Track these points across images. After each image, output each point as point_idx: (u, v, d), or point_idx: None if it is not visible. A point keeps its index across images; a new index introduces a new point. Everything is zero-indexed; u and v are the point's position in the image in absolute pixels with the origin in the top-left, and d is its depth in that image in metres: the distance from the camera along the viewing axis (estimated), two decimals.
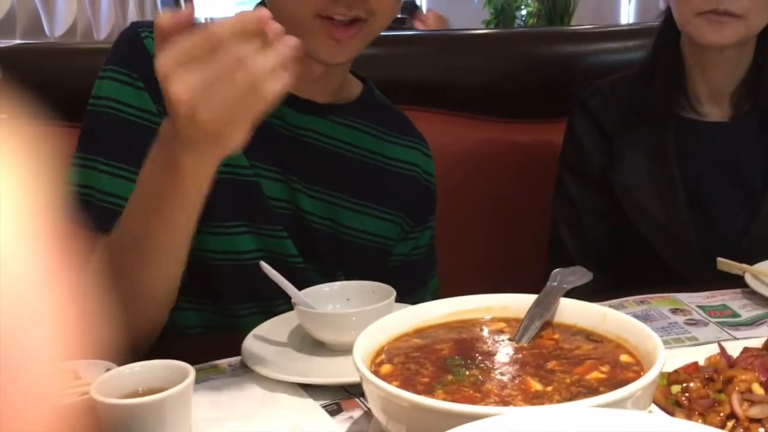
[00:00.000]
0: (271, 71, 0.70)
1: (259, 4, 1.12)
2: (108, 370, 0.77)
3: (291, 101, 1.04)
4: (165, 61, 0.69)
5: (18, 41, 1.57)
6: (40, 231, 0.28)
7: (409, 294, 1.18)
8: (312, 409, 0.78)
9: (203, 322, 1.06)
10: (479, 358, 0.68)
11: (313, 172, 1.06)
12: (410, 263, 1.18)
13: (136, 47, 0.99)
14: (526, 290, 0.78)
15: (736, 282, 1.06)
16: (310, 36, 0.95)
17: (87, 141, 0.98)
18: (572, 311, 0.74)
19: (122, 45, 1.00)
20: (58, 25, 1.92)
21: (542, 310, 0.73)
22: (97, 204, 0.94)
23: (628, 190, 1.25)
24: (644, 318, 0.96)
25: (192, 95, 0.68)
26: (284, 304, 1.06)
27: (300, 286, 1.03)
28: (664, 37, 1.26)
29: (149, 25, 1.00)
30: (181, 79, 0.68)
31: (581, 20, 6.63)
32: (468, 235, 1.62)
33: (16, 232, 0.27)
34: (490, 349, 0.70)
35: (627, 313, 0.74)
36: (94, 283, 0.32)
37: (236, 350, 0.89)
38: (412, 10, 5.84)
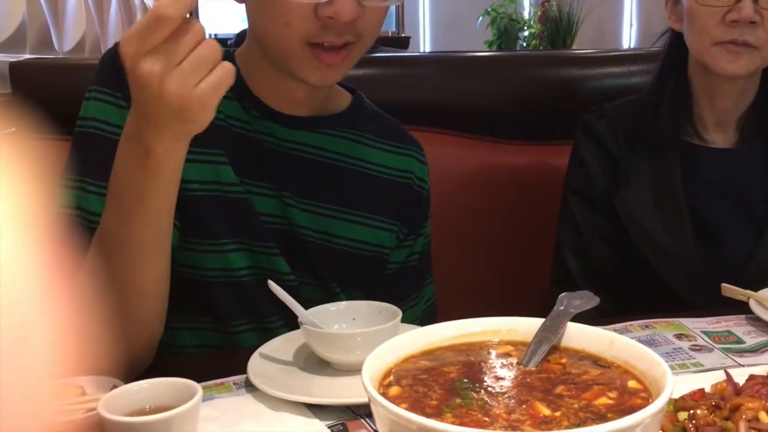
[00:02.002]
0: None
1: (239, 33, 1.14)
2: (114, 386, 0.77)
3: (278, 117, 1.05)
4: (128, 47, 0.73)
5: (28, 55, 1.58)
6: (38, 246, 0.28)
7: (404, 300, 1.19)
8: (317, 429, 0.78)
9: (200, 341, 1.06)
10: (487, 381, 0.68)
11: (305, 185, 1.07)
12: (404, 270, 1.18)
13: (117, 67, 0.98)
14: (529, 313, 0.78)
15: (740, 308, 1.06)
16: (299, 62, 0.96)
17: (75, 162, 0.99)
18: (579, 336, 0.74)
19: (105, 66, 1.01)
20: (67, 40, 1.94)
21: (549, 334, 0.73)
22: (87, 225, 0.93)
23: (633, 214, 1.26)
24: (649, 343, 0.97)
25: (160, 69, 0.72)
26: (280, 320, 1.07)
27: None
28: (670, 63, 1.27)
29: None
30: (148, 59, 0.72)
31: (583, 43, 6.68)
32: (471, 256, 1.62)
33: (15, 248, 0.27)
34: (497, 372, 0.70)
35: (631, 338, 0.74)
36: (86, 297, 0.32)
37: (238, 369, 0.90)
38: None
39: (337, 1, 0.90)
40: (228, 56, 1.06)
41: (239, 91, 1.04)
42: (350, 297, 1.11)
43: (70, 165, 0.99)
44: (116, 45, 1.03)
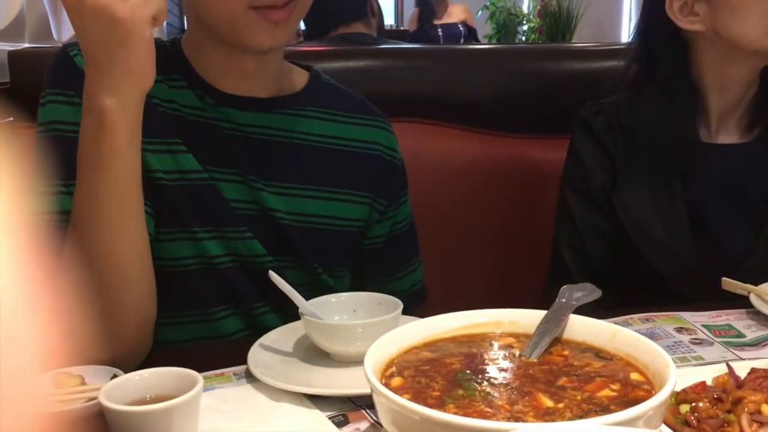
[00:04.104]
0: None
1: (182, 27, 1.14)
2: (114, 375, 0.77)
3: (233, 101, 1.04)
4: None
5: (26, 45, 1.57)
6: (19, 247, 0.28)
7: (404, 266, 1.20)
8: (318, 419, 0.78)
9: (182, 336, 1.05)
10: (489, 373, 0.68)
11: (271, 168, 1.06)
12: (395, 237, 1.18)
13: (67, 66, 1.00)
14: (528, 306, 0.78)
15: (740, 302, 1.06)
16: (245, 27, 0.96)
17: (44, 168, 0.97)
18: (581, 328, 0.74)
19: (55, 68, 1.01)
20: (65, 29, 1.92)
21: (552, 326, 0.73)
22: (65, 227, 0.92)
23: (631, 210, 1.25)
24: (649, 336, 0.95)
25: None
26: (263, 307, 1.06)
27: (277, 287, 1.02)
28: (675, 63, 1.25)
29: (76, 43, 1.01)
30: None
31: (582, 37, 6.67)
32: (467, 248, 1.62)
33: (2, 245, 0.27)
34: (500, 364, 0.70)
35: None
36: (70, 290, 0.32)
37: (238, 360, 0.89)
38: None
39: None
40: (174, 45, 1.07)
41: (190, 79, 1.04)
42: (335, 277, 1.11)
43: (38, 172, 0.97)
44: (63, 47, 1.04)
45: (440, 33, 6.04)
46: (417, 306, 1.20)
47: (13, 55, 1.44)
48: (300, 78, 1.14)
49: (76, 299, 0.33)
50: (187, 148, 1.01)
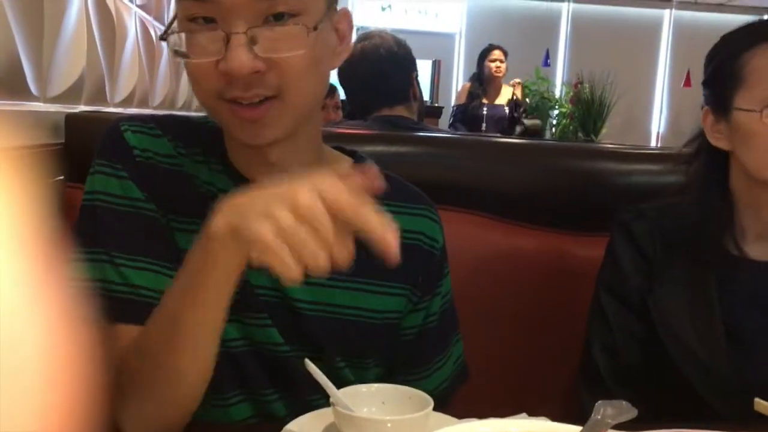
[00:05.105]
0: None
1: None
2: None
3: None
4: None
5: (82, 107, 1.63)
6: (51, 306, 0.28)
7: (428, 364, 1.16)
8: None
9: (193, 417, 1.02)
10: None
11: None
12: (425, 333, 1.14)
13: (117, 141, 1.02)
14: (551, 403, 0.78)
15: None
16: (225, 120, 0.95)
17: (83, 235, 1.00)
18: None
19: (105, 140, 1.04)
20: (119, 92, 2.00)
21: None
22: (104, 295, 0.95)
23: (666, 317, 1.25)
24: None
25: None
26: (273, 394, 1.05)
27: (290, 375, 1.02)
28: (712, 180, 1.27)
29: (129, 119, 1.05)
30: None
31: (613, 126, 6.76)
32: (494, 339, 1.61)
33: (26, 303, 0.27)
34: None
35: None
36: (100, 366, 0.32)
37: None
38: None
39: (228, 56, 0.88)
40: (217, 128, 1.05)
41: (227, 167, 1.04)
42: (358, 372, 1.09)
43: (80, 237, 1.00)
44: (116, 120, 1.06)
45: (485, 112, 6.12)
46: (463, 381, 1.21)
47: (69, 117, 1.49)
48: (342, 164, 1.12)
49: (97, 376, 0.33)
50: None
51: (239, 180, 1.03)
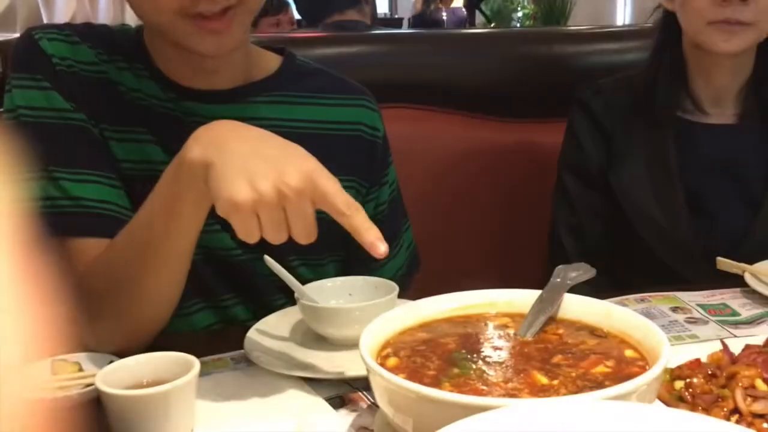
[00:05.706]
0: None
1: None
2: (111, 362, 0.77)
3: (196, 95, 1.00)
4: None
5: (18, 35, 1.56)
6: (11, 231, 0.28)
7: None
8: (316, 402, 0.78)
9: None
10: (485, 352, 0.68)
11: None
12: (376, 223, 1.13)
13: (32, 51, 0.96)
14: (527, 287, 0.78)
15: (735, 281, 1.07)
16: (184, 35, 0.91)
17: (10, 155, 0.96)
18: (576, 307, 0.75)
19: (20, 52, 0.98)
20: (57, 19, 1.92)
21: (546, 305, 0.74)
22: (49, 212, 0.92)
23: (628, 191, 1.25)
24: (645, 316, 0.96)
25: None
26: (232, 299, 1.04)
27: (248, 278, 1.01)
28: (664, 41, 1.26)
29: (43, 28, 0.99)
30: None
31: (577, 22, 6.66)
32: (464, 234, 1.62)
33: None
34: (495, 343, 0.71)
35: None
36: (58, 285, 0.31)
37: (233, 345, 0.89)
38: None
39: None
40: (139, 34, 1.02)
41: (152, 71, 1.00)
42: (315, 269, 1.07)
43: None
44: (27, 29, 1.00)
45: (444, 17, 5.99)
46: (416, 266, 1.20)
47: (4, 45, 1.43)
48: (272, 62, 1.08)
49: (70, 289, 0.32)
50: (154, 139, 0.98)
51: (168, 85, 0.99)
